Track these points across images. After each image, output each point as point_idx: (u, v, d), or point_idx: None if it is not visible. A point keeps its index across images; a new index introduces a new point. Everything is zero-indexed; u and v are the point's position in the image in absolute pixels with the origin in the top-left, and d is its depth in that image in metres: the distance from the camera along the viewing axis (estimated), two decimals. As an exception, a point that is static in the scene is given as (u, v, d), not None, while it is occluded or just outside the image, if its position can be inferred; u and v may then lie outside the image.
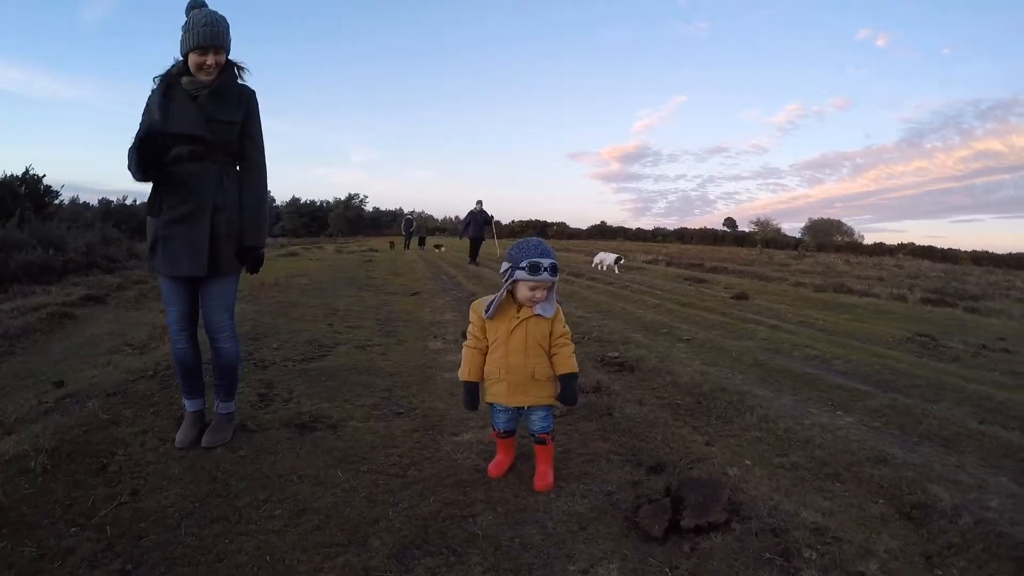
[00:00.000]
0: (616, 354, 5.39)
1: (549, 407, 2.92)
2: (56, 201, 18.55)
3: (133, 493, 2.79)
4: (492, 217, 18.27)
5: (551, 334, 2.85)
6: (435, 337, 6.05)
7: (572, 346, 2.85)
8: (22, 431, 3.40)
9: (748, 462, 3.21)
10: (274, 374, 4.64)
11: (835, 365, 5.43)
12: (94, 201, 54.10)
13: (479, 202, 17.62)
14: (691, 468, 3.08)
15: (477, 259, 17.28)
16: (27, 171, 17.34)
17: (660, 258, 20.79)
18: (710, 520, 2.46)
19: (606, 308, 8.54)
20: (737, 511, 2.59)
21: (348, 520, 2.59)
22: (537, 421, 2.91)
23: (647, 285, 11.98)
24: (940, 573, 2.27)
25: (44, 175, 17.72)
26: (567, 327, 2.88)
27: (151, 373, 4.46)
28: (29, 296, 8.73)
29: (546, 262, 2.66)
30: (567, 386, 2.82)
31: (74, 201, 53.73)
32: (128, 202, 55.21)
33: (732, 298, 9.91)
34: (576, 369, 2.81)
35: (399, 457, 3.24)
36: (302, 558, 2.31)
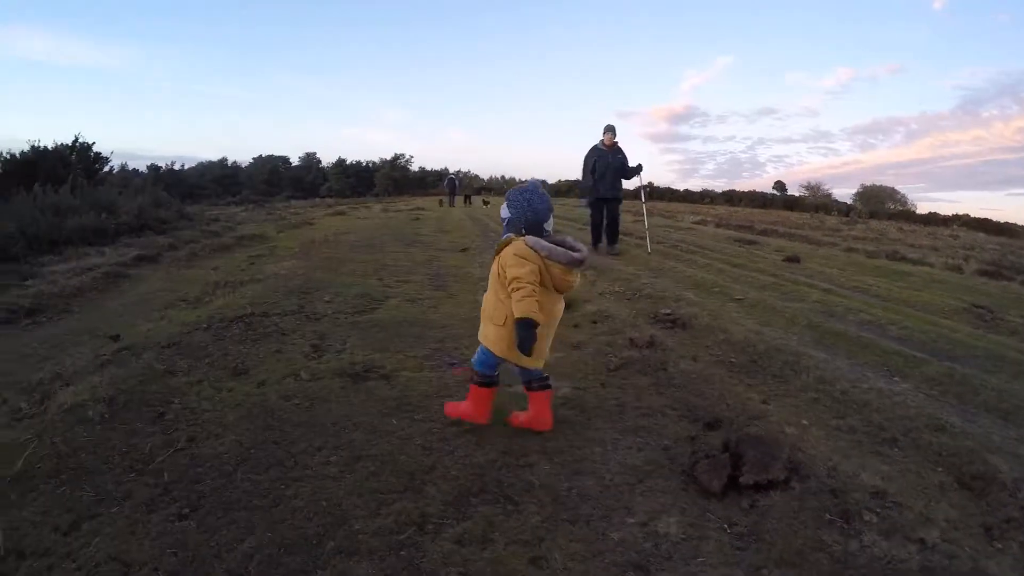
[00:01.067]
0: (668, 311, 5.29)
1: (484, 349, 2.87)
2: (106, 168, 19.09)
3: (190, 440, 2.84)
4: (640, 166, 9.87)
5: (500, 275, 2.73)
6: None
7: (525, 290, 2.53)
8: (80, 382, 3.51)
9: (805, 422, 3.14)
10: (326, 326, 4.69)
11: (890, 331, 5.20)
12: (143, 167, 56.00)
13: (610, 129, 9.60)
14: (748, 425, 3.03)
15: (615, 242, 10.03)
16: (76, 139, 17.88)
17: (709, 219, 20.22)
18: (770, 477, 2.43)
19: (656, 266, 8.35)
20: (796, 470, 2.54)
21: (403, 467, 2.59)
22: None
23: (696, 245, 11.65)
24: (1000, 546, 2.18)
25: (94, 143, 18.26)
26: (524, 271, 2.58)
27: (205, 326, 4.55)
28: (83, 258, 9.01)
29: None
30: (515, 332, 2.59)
31: (124, 168, 55.69)
32: (176, 167, 57.18)
33: (784, 260, 9.58)
34: (523, 315, 2.51)
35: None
36: (358, 503, 2.31)
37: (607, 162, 9.55)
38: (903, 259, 10.67)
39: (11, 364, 4.13)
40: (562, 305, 2.85)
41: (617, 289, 6.44)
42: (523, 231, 2.72)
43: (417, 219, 18.38)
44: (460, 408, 3.02)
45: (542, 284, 2.62)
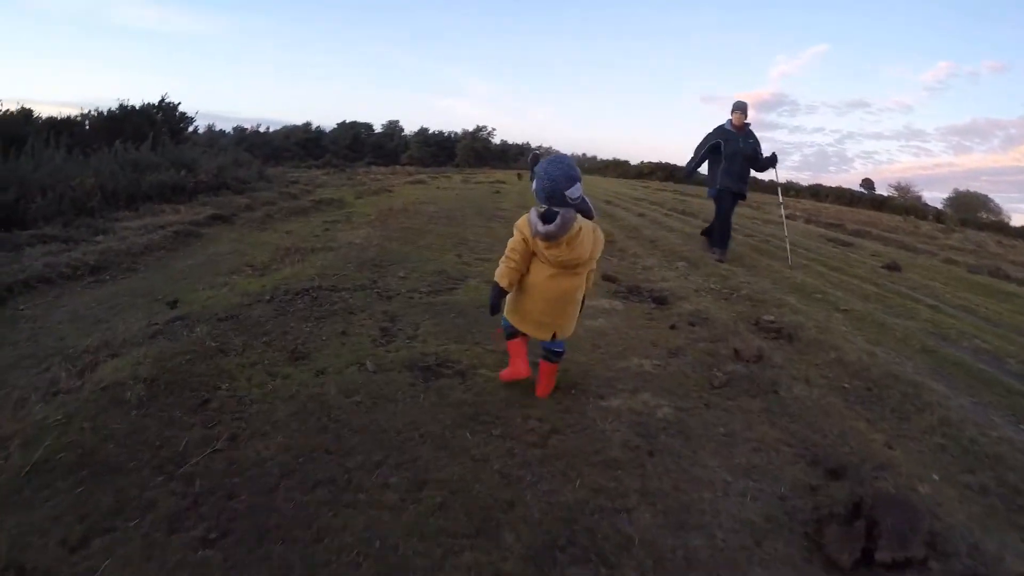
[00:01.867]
0: (772, 318, 4.72)
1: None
2: (191, 127, 19.46)
3: (231, 438, 2.47)
4: (775, 156, 8.00)
5: None
6: None
7: (504, 258, 2.84)
8: (126, 355, 3.24)
9: (936, 477, 2.69)
10: (398, 306, 4.27)
11: (1008, 364, 4.50)
12: (229, 128, 57.82)
13: (740, 107, 7.78)
14: (876, 477, 2.55)
15: (725, 246, 8.00)
16: (163, 99, 18.28)
17: (798, 214, 18.99)
18: (908, 555, 2.07)
19: (751, 263, 7.63)
20: (934, 545, 2.12)
21: (477, 500, 2.13)
22: None
23: (790, 242, 10.77)
24: None
25: (180, 103, 18.63)
26: (511, 241, 2.84)
27: (268, 298, 4.21)
28: (159, 215, 8.99)
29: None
30: None
31: (211, 128, 57.58)
32: (262, 129, 58.75)
33: (883, 267, 8.64)
34: (493, 279, 2.89)
35: (538, 422, 2.74)
36: (419, 548, 1.88)
37: (736, 147, 7.61)
38: (1007, 277, 9.58)
39: (64, 326, 3.94)
40: (574, 281, 2.84)
41: (713, 286, 5.80)
42: (546, 200, 2.67)
43: (498, 192, 17.93)
44: (507, 371, 3.08)
45: (537, 257, 2.76)
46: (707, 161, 7.94)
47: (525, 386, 3.07)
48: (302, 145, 57.17)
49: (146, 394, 2.78)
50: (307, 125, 62.12)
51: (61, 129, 16.15)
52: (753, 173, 8.08)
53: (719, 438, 2.78)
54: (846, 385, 3.62)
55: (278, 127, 61.02)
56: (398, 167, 44.91)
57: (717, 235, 7.97)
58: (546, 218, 2.64)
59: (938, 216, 35.72)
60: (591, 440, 2.63)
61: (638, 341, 3.97)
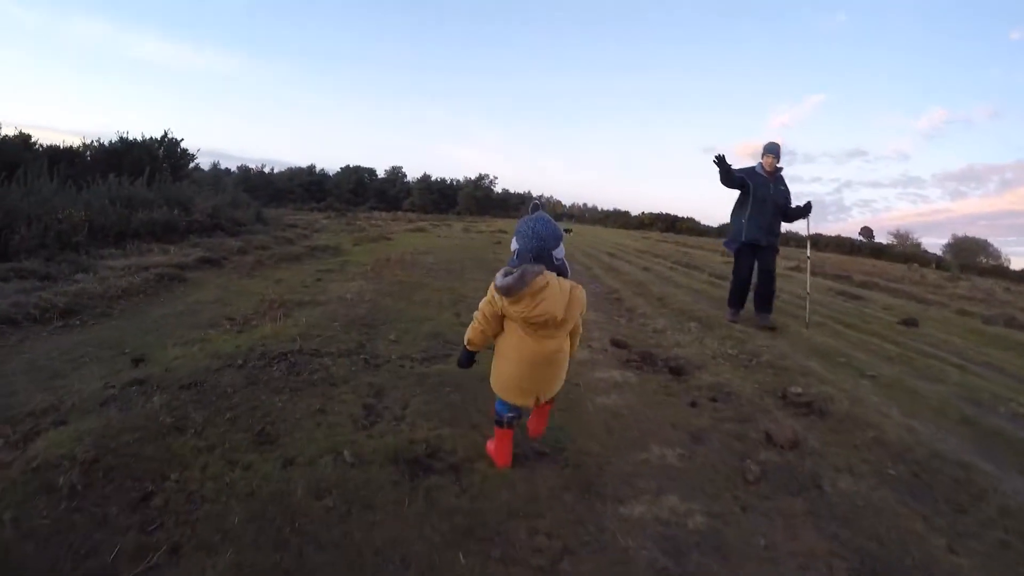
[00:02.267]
0: (799, 391, 4.27)
1: None
2: (192, 164, 19.21)
3: (172, 550, 2.04)
4: (809, 205, 7.10)
5: None
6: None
7: (473, 320, 2.74)
8: (71, 425, 2.80)
9: None
10: (386, 377, 3.80)
11: None
12: (234, 167, 58.12)
13: (772, 150, 6.95)
14: None
15: (768, 309, 7.05)
16: (165, 134, 18.05)
17: (802, 265, 18.68)
18: None
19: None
20: None
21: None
22: None
23: (799, 297, 10.36)
24: None
25: (182, 139, 18.42)
26: (484, 299, 2.66)
27: (240, 362, 3.76)
28: (146, 254, 8.60)
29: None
30: None
31: (215, 166, 57.91)
32: (266, 169, 59.00)
33: (900, 323, 8.23)
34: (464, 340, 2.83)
35: (546, 538, 2.27)
36: None
37: (767, 193, 6.70)
38: (1022, 327, 9.17)
39: (18, 378, 3.55)
40: (553, 344, 2.64)
41: (730, 352, 5.36)
42: (531, 261, 2.51)
43: (499, 243, 17.60)
44: (490, 446, 2.89)
45: (508, 317, 2.62)
46: (751, 208, 6.76)
47: (530, 486, 2.61)
48: (305, 187, 57.42)
49: (81, 481, 2.33)
50: (311, 168, 62.52)
51: (61, 158, 15.94)
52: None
53: (760, 554, 2.32)
54: (891, 471, 3.15)
55: (283, 168, 61.36)
56: (399, 213, 44.99)
57: (758, 295, 6.98)
58: (509, 274, 2.51)
59: (939, 263, 35.69)
60: (611, 563, 2.16)
61: (657, 423, 3.50)
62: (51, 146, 16.61)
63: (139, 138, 17.19)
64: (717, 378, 4.39)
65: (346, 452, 2.69)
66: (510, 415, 2.75)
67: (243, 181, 54.26)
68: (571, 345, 2.83)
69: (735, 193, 6.89)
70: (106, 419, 2.87)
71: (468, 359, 2.86)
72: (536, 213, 2.66)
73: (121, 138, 16.83)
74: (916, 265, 27.70)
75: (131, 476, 2.43)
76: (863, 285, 13.98)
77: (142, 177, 12.02)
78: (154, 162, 16.66)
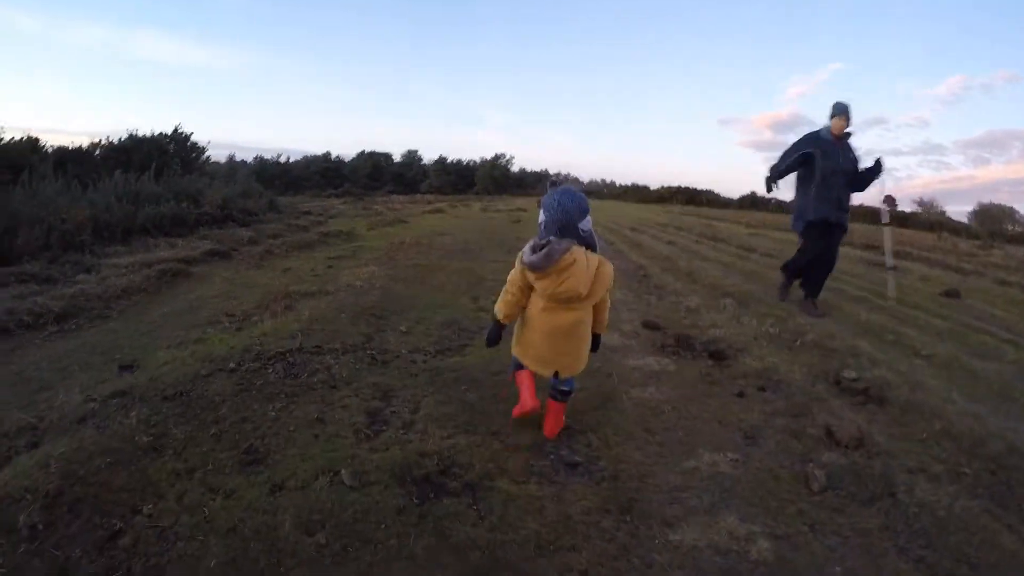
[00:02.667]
0: (853, 375, 3.83)
1: None
2: (203, 157, 18.93)
3: None
4: (879, 164, 5.85)
5: None
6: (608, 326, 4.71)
7: (503, 289, 2.78)
8: (42, 448, 2.49)
9: None
10: (395, 376, 3.42)
11: None
12: (250, 158, 58.08)
13: (842, 111, 5.82)
14: None
15: (817, 293, 6.16)
16: (175, 129, 17.80)
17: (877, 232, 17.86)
18: None
19: (798, 296, 6.68)
20: None
21: None
22: None
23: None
24: None
25: (192, 132, 18.17)
26: (512, 270, 2.73)
27: (233, 365, 3.40)
28: (153, 250, 8.31)
29: None
30: None
31: (231, 159, 57.81)
32: (282, 159, 58.76)
33: (941, 295, 7.67)
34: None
35: (579, 577, 1.87)
36: None
37: (836, 163, 5.67)
38: None
39: (3, 391, 3.30)
40: (573, 317, 2.65)
41: (771, 331, 4.89)
42: (557, 233, 2.55)
43: (518, 221, 17.14)
44: (516, 407, 2.89)
45: (535, 291, 2.65)
46: (794, 179, 6.05)
47: (561, 508, 2.22)
48: (322, 174, 57.06)
49: (43, 519, 2.02)
50: (327, 155, 62.09)
51: (69, 159, 15.77)
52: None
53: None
54: (966, 470, 2.72)
55: (299, 157, 61.12)
56: (417, 196, 44.54)
57: (809, 279, 6.05)
58: (538, 248, 2.53)
59: (969, 231, 34.63)
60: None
61: (703, 420, 3.09)
62: (59, 147, 16.47)
63: (148, 134, 16.96)
64: (762, 363, 3.96)
65: (344, 472, 2.30)
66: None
67: (259, 171, 54.18)
68: (599, 320, 2.81)
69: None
70: (80, 440, 2.54)
71: (497, 333, 2.85)
72: (562, 186, 2.67)
73: (130, 135, 16.61)
74: (946, 234, 26.76)
75: (99, 510, 2.10)
76: (896, 255, 13.36)
77: (148, 171, 11.72)
78: (164, 157, 16.45)
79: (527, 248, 2.57)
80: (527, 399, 2.78)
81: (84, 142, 17.66)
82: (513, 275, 2.68)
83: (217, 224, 10.84)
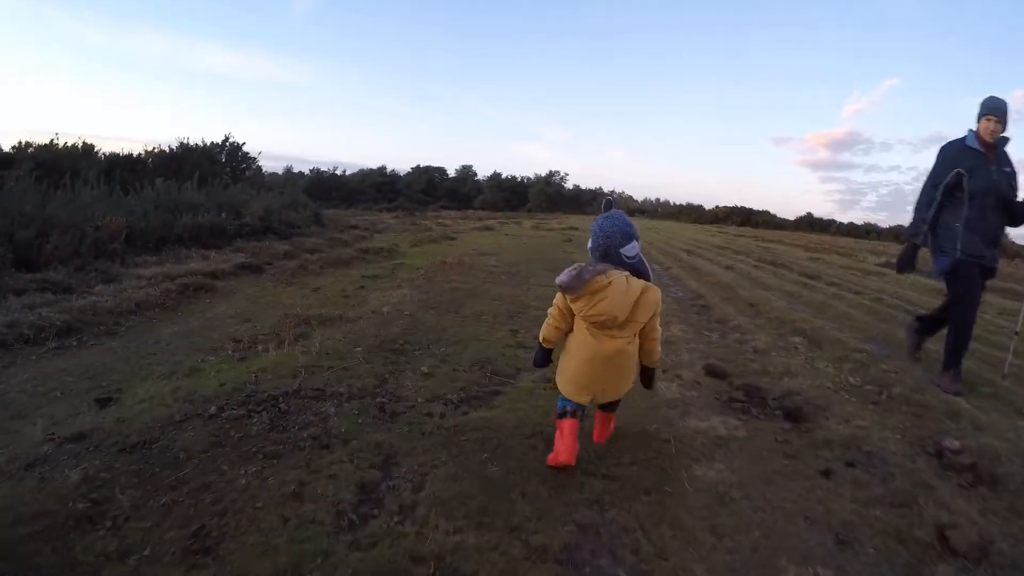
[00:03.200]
0: (956, 445, 3.10)
1: None
2: (254, 166, 18.93)
3: None
4: None
5: None
6: (664, 372, 4.09)
7: (548, 316, 2.74)
8: None
9: None
10: (403, 434, 2.83)
11: None
12: (307, 170, 59.11)
13: (996, 110, 4.18)
14: None
15: (959, 362, 4.23)
16: (226, 138, 17.87)
17: (894, 261, 16.42)
18: None
19: (874, 332, 5.92)
20: None
21: None
22: None
23: (902, 299, 8.61)
24: None
25: (244, 143, 18.19)
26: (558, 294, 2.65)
27: (214, 410, 2.90)
28: (184, 261, 8.02)
29: None
30: None
31: (288, 170, 58.88)
32: (338, 172, 59.51)
33: None
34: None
35: None
36: None
37: (988, 179, 4.17)
38: None
39: None
40: (615, 344, 2.55)
41: (851, 379, 4.18)
42: (599, 258, 2.55)
43: (569, 240, 16.56)
44: (552, 455, 2.64)
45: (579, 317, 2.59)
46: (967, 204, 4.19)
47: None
48: (377, 188, 57.72)
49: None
50: (382, 169, 62.81)
51: (121, 166, 15.89)
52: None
53: None
54: None
55: (354, 170, 61.95)
56: (470, 212, 44.40)
57: (951, 342, 4.28)
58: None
59: None
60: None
61: (784, 515, 2.42)
62: (111, 154, 16.65)
63: (199, 143, 17.02)
64: (848, 426, 3.27)
65: (313, 579, 1.75)
66: (573, 406, 2.64)
67: (316, 183, 55.02)
68: (648, 350, 2.73)
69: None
70: (15, 494, 2.09)
71: (545, 357, 2.80)
72: (610, 211, 2.61)
73: (181, 143, 16.69)
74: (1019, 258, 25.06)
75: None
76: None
77: (191, 181, 11.58)
78: (214, 166, 16.46)
79: (566, 270, 2.48)
80: (561, 451, 2.56)
81: (138, 149, 17.83)
82: (558, 298, 2.63)
83: (257, 236, 10.59)
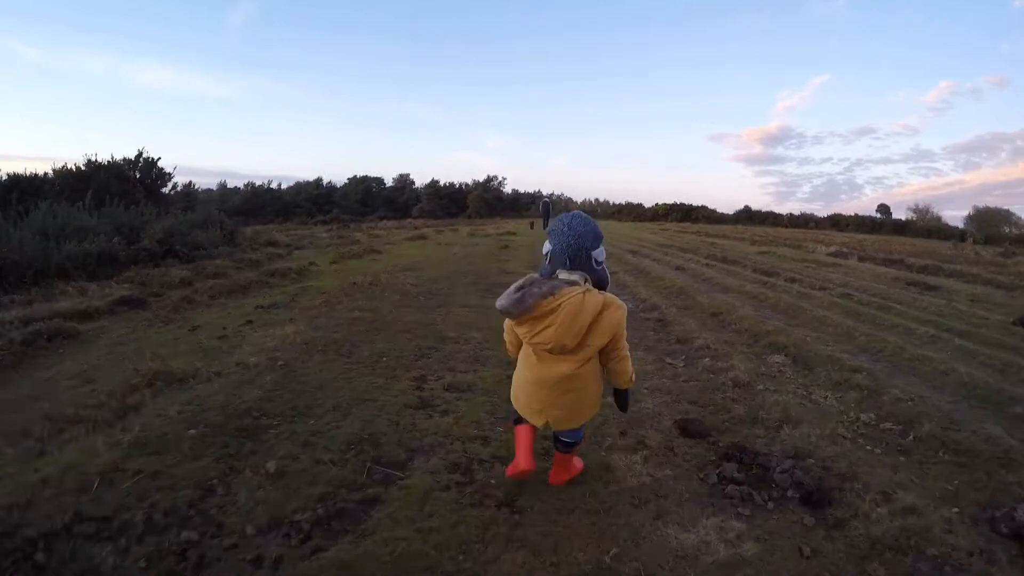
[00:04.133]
0: (1013, 519, 2.24)
1: None
2: (169, 184, 17.07)
3: None
4: None
5: None
6: (622, 435, 3.02)
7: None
8: None
9: None
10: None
11: None
12: (241, 185, 56.73)
13: None
14: None
15: None
16: (139, 154, 16.02)
17: (846, 250, 16.17)
18: None
19: (862, 341, 5.11)
20: None
21: None
22: None
23: (871, 293, 8.03)
24: None
25: (159, 158, 16.33)
26: None
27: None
28: (56, 298, 6.64)
29: None
30: None
31: (223, 185, 56.28)
32: (273, 185, 57.02)
33: (1014, 323, 6.03)
34: None
35: None
36: None
37: None
38: None
39: None
40: (562, 368, 2.15)
41: (864, 416, 3.26)
42: (567, 264, 2.08)
43: (506, 247, 15.47)
44: (511, 465, 2.42)
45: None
46: None
47: None
48: (313, 201, 55.69)
49: None
50: (318, 181, 60.75)
51: (22, 187, 14.13)
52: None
53: None
54: None
55: (291, 183, 59.68)
56: (407, 221, 42.96)
57: None
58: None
59: (962, 235, 33.54)
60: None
61: None
62: (13, 174, 14.85)
63: (108, 160, 15.28)
64: (889, 508, 2.31)
65: None
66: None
67: (251, 198, 52.73)
68: (615, 371, 2.24)
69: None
70: None
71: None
72: (548, 213, 2.52)
73: (88, 160, 14.94)
74: (963, 242, 25.36)
75: None
76: (925, 271, 11.75)
77: (82, 202, 10.09)
78: (124, 184, 14.80)
79: (511, 287, 2.08)
80: (521, 459, 2.35)
81: (44, 168, 16.05)
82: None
83: (155, 261, 9.18)
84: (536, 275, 2.10)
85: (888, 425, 3.17)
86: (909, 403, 3.43)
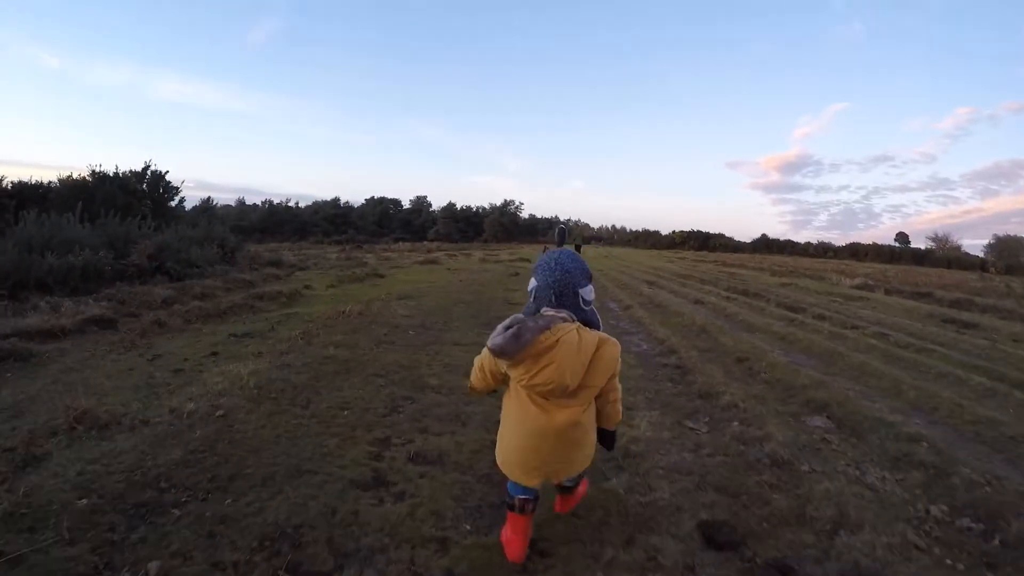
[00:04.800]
0: None
1: None
2: (176, 198, 16.80)
3: None
4: None
5: None
6: (628, 544, 2.29)
7: (473, 366, 2.17)
8: None
9: None
10: None
11: None
12: (259, 202, 56.92)
13: None
14: None
15: None
16: (146, 167, 15.78)
17: (871, 283, 15.55)
18: None
19: (912, 396, 4.48)
20: None
21: None
22: None
23: (907, 332, 7.49)
24: None
25: (167, 171, 16.11)
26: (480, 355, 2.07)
27: None
28: (25, 314, 6.22)
29: None
30: None
31: (241, 202, 56.50)
32: (291, 204, 57.11)
33: None
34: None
35: None
36: None
37: None
38: None
39: None
40: (565, 415, 1.92)
41: (938, 514, 2.62)
42: (553, 301, 1.94)
43: (516, 274, 14.93)
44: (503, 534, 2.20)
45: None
46: None
47: None
48: (330, 220, 55.75)
49: None
50: (336, 201, 60.82)
51: (27, 196, 13.87)
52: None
53: None
54: None
55: (309, 202, 59.85)
56: (422, 243, 42.74)
57: None
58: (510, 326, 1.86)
59: (982, 265, 32.74)
60: None
61: None
62: (19, 182, 14.62)
63: (114, 171, 15.02)
64: None
65: None
66: (522, 496, 2.06)
67: (269, 215, 52.87)
68: (606, 413, 2.08)
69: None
70: None
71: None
72: (563, 242, 2.43)
73: (93, 172, 14.68)
74: (987, 272, 24.65)
75: None
76: (957, 305, 11.22)
77: (71, 214, 9.72)
78: (129, 197, 14.52)
79: (501, 325, 1.85)
80: (513, 550, 2.07)
81: (51, 177, 15.81)
82: (481, 358, 2.01)
83: (143, 278, 8.77)
84: (520, 315, 1.89)
85: (968, 523, 2.54)
86: (987, 489, 2.82)
